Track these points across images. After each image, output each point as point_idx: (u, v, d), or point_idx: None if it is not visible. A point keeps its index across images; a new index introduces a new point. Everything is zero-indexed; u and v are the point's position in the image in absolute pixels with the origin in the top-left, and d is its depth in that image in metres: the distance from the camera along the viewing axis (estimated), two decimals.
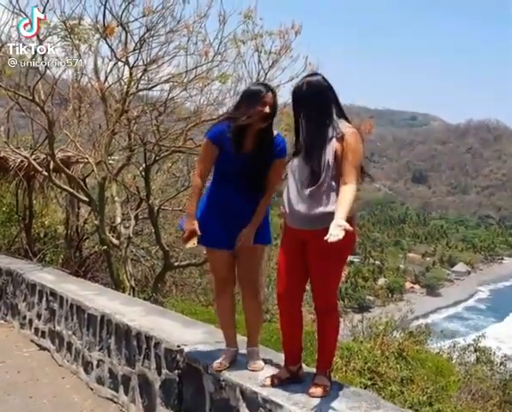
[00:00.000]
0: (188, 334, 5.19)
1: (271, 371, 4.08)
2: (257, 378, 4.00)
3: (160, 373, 4.92)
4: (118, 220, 11.27)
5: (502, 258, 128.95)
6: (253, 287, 4.31)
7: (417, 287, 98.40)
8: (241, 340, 4.47)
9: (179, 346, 4.75)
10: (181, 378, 4.66)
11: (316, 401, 3.61)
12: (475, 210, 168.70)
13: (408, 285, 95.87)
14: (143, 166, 10.75)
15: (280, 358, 4.24)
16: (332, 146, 3.67)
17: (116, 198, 11.47)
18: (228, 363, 4.25)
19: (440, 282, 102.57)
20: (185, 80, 10.25)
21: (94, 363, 6.13)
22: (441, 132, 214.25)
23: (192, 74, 10.22)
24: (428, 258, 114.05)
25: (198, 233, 4.17)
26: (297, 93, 3.83)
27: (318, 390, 3.70)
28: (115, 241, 10.96)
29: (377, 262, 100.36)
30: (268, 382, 3.87)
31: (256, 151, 4.18)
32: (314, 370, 3.95)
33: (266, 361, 4.30)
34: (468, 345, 15.30)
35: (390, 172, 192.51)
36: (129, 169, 12.01)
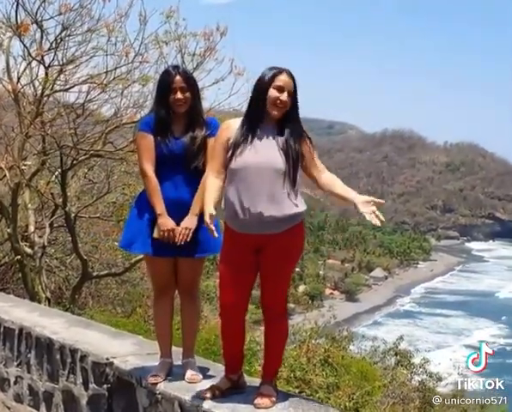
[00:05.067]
0: (117, 346, 4.84)
1: (209, 382, 3.79)
2: (195, 389, 3.72)
3: (87, 388, 4.56)
4: (32, 228, 10.77)
5: (418, 263, 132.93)
6: (193, 292, 4.09)
7: (336, 293, 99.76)
8: (176, 351, 4.16)
9: (108, 359, 4.41)
10: (111, 393, 4.34)
11: None
12: (391, 216, 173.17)
13: (328, 291, 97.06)
14: (59, 171, 10.29)
15: (217, 368, 4.02)
16: None
17: (29, 205, 10.95)
18: (163, 375, 3.92)
19: (358, 288, 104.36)
20: (105, 81, 9.94)
21: (12, 380, 5.68)
22: (358, 141, 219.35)
23: (111, 75, 9.95)
24: (347, 264, 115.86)
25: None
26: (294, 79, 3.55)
27: (264, 401, 3.45)
28: (29, 251, 10.48)
29: (297, 269, 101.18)
30: (209, 394, 3.57)
31: (186, 132, 3.92)
32: (255, 379, 3.74)
33: (204, 372, 4.02)
34: (389, 349, 15.39)
35: (309, 180, 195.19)
36: (43, 174, 11.50)
